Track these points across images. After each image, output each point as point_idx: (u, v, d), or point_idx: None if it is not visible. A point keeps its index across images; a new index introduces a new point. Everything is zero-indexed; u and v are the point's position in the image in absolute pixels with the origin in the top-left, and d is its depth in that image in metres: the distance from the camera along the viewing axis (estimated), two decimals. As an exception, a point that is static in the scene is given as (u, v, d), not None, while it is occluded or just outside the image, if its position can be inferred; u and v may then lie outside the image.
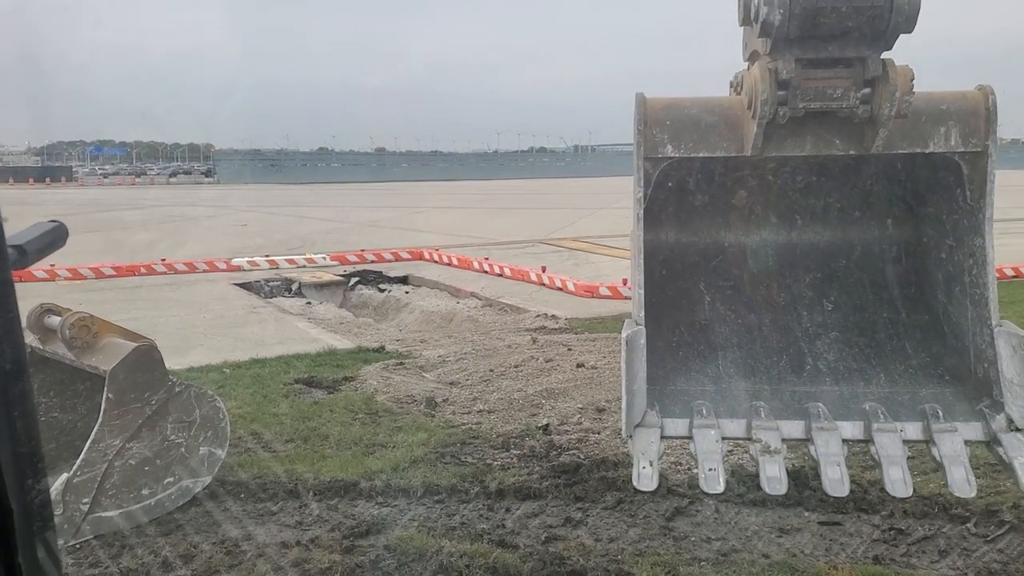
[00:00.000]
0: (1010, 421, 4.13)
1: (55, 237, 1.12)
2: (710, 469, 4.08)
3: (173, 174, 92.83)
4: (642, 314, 4.36)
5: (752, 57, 4.47)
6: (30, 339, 5.54)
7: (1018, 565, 4.73)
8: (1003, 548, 4.89)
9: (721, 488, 4.06)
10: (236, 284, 15.71)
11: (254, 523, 5.32)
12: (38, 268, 14.80)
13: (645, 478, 4.06)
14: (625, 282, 13.72)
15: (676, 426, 4.33)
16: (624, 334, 4.24)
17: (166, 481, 5.40)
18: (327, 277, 16.48)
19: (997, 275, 4.50)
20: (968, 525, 5.14)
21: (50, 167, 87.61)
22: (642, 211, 4.48)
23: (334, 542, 4.99)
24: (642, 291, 4.45)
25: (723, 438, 4.27)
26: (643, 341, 4.24)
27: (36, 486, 0.99)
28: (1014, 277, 14.92)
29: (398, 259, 18.96)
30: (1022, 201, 30.17)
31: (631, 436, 4.20)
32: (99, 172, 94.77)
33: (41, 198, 46.94)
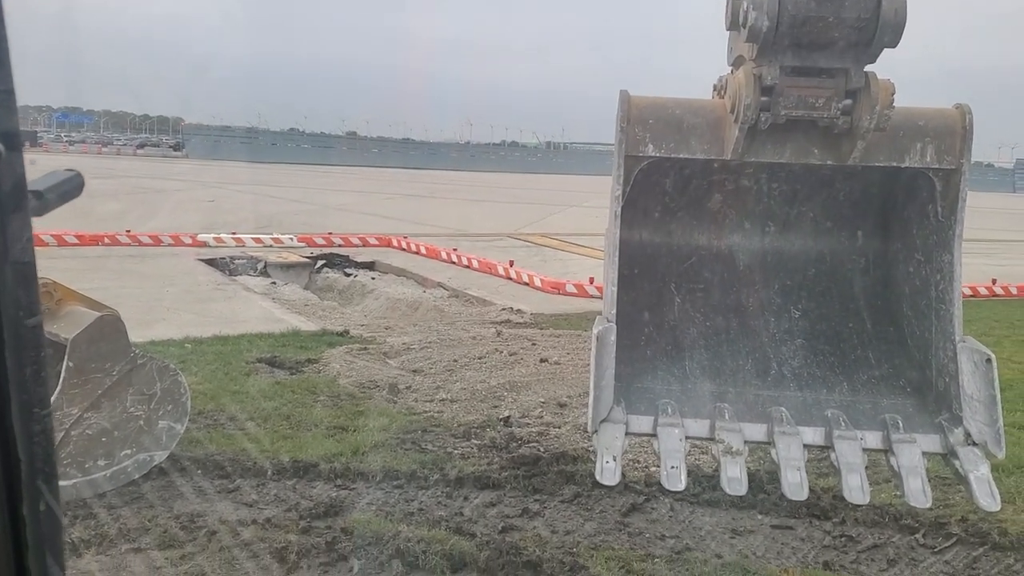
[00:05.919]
0: (967, 435, 4.21)
1: (72, 186, 1.11)
2: (672, 467, 4.12)
3: (141, 145, 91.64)
4: (613, 311, 4.38)
5: (737, 62, 4.50)
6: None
7: (964, 577, 4.83)
8: (950, 560, 5.00)
9: (682, 486, 4.10)
10: (201, 260, 15.55)
11: (211, 499, 5.28)
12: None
13: (608, 472, 4.09)
14: (592, 280, 13.78)
15: (641, 423, 4.36)
16: (595, 330, 4.26)
17: (123, 453, 5.33)
18: (293, 258, 16.37)
19: None
20: (917, 535, 5.24)
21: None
22: (620, 209, 4.50)
23: (291, 522, 4.97)
24: (615, 288, 4.46)
25: (686, 437, 4.31)
26: (613, 338, 4.26)
27: (42, 433, 0.98)
28: (971, 296, 15.18)
29: (366, 244, 18.87)
30: (983, 223, 30.68)
31: (596, 431, 4.22)
32: (65, 139, 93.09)
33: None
